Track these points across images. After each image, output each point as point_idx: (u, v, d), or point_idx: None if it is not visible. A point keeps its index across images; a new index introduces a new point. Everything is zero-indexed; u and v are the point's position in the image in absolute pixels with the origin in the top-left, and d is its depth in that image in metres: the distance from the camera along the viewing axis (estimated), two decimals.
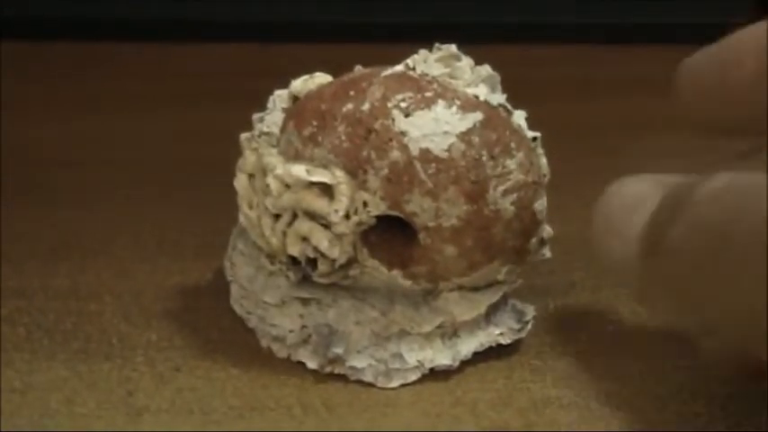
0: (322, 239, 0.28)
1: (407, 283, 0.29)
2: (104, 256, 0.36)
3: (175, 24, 0.53)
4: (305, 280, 0.30)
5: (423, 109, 0.28)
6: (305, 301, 0.30)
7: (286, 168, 0.29)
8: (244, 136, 0.31)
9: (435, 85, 0.29)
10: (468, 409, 0.29)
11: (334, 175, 0.28)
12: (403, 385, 0.30)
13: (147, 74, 0.50)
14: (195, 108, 0.46)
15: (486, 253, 0.29)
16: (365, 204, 0.28)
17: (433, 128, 0.28)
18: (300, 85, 0.30)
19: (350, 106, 0.28)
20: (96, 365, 0.30)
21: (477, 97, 0.29)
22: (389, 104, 0.28)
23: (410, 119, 0.28)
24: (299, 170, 0.29)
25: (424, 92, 0.28)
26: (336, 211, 0.28)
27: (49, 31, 0.52)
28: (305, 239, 0.29)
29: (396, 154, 0.28)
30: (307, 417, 0.29)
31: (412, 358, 0.29)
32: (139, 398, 0.29)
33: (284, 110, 0.30)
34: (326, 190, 0.28)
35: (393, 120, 0.28)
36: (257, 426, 0.28)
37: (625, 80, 0.48)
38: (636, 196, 0.27)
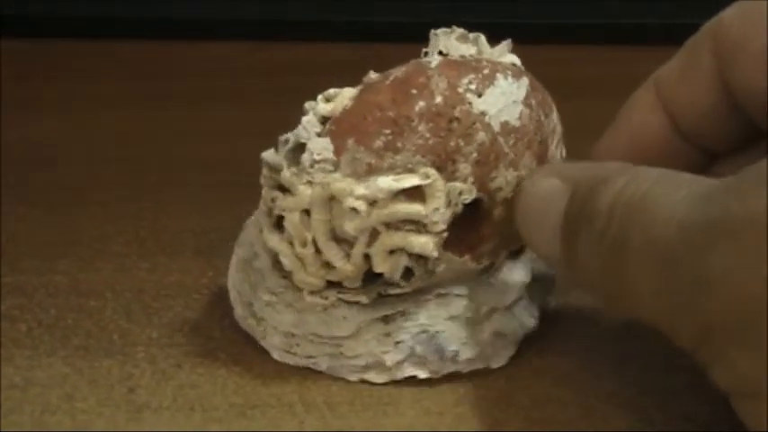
0: (425, 243, 0.28)
1: (474, 265, 0.29)
2: (104, 254, 0.36)
3: (176, 23, 0.53)
4: (377, 299, 0.29)
5: (489, 86, 0.28)
6: (387, 318, 0.29)
7: (370, 185, 0.28)
8: (285, 174, 0.29)
9: (484, 63, 0.29)
10: (469, 407, 0.29)
11: (426, 175, 0.28)
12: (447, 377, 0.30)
13: (147, 72, 0.50)
14: (195, 106, 0.46)
15: None
16: (460, 194, 0.28)
17: (505, 101, 0.28)
18: (329, 106, 0.29)
19: (422, 104, 0.28)
20: (97, 362, 0.30)
21: (514, 65, 0.30)
22: (460, 90, 0.28)
23: (483, 98, 0.28)
24: (386, 182, 0.28)
25: (482, 70, 0.28)
26: (436, 209, 0.28)
27: (50, 29, 0.52)
28: (393, 252, 0.28)
29: (481, 135, 0.28)
30: (308, 415, 0.29)
31: (509, 330, 0.30)
32: (140, 395, 0.29)
33: (323, 133, 0.28)
34: (415, 193, 0.28)
35: (470, 103, 0.28)
36: (258, 424, 0.28)
37: (624, 79, 0.48)
38: (548, 192, 0.28)
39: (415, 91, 0.28)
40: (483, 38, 0.30)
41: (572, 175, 0.28)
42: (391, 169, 0.28)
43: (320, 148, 0.28)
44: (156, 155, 0.42)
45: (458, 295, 0.30)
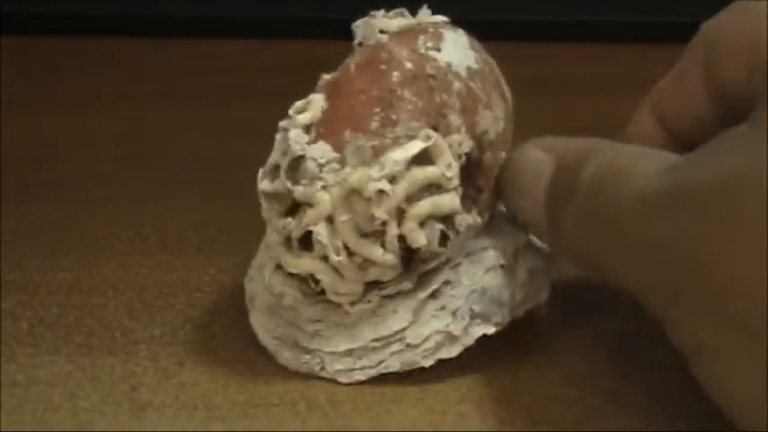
0: (451, 199, 0.29)
1: (480, 220, 0.30)
2: (106, 252, 0.35)
3: (177, 21, 0.53)
4: (418, 280, 0.29)
5: (441, 41, 0.29)
6: (435, 293, 0.30)
7: (384, 164, 0.28)
8: (299, 190, 0.28)
9: (424, 24, 0.30)
10: (473, 405, 0.29)
11: (427, 136, 0.28)
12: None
13: (148, 70, 0.50)
14: (197, 104, 0.46)
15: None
16: (460, 145, 0.29)
17: (459, 49, 0.30)
18: (307, 114, 0.29)
19: (396, 73, 0.28)
20: (99, 360, 0.30)
21: (446, 22, 0.31)
22: (422, 51, 0.29)
23: (443, 52, 0.29)
24: (397, 154, 0.28)
25: (427, 30, 0.30)
26: (448, 164, 0.28)
27: (51, 27, 0.52)
28: (423, 224, 0.28)
29: (457, 85, 0.29)
30: (311, 413, 0.28)
31: (539, 264, 0.31)
32: (143, 393, 0.29)
33: (312, 140, 0.28)
34: (423, 158, 0.28)
35: (435, 59, 0.29)
36: (261, 422, 0.28)
37: (623, 79, 0.48)
38: (535, 163, 0.29)
39: (384, 66, 0.29)
40: (405, 10, 0.30)
41: (558, 148, 0.29)
42: (395, 143, 0.28)
43: (321, 151, 0.28)
44: (158, 153, 0.42)
45: (483, 249, 0.30)
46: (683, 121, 0.30)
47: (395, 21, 0.30)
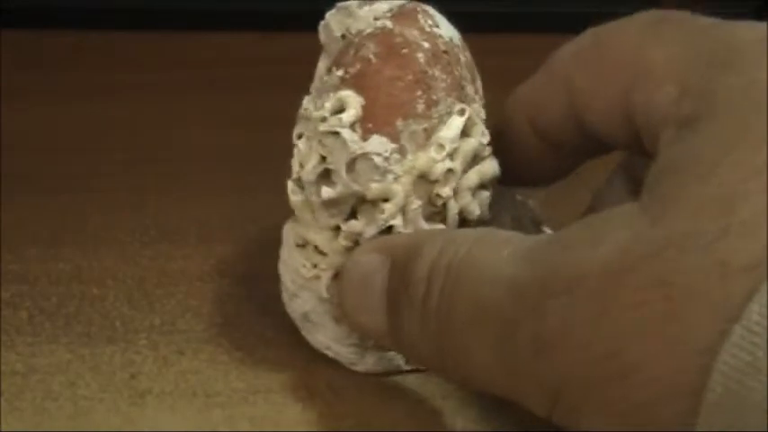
0: (493, 164, 0.29)
1: (498, 168, 0.30)
2: (107, 241, 0.35)
3: (179, 13, 0.53)
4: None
5: (432, 17, 0.29)
6: None
7: (441, 142, 0.28)
8: (376, 187, 0.27)
9: (406, 6, 0.29)
10: (474, 391, 0.29)
11: (462, 110, 0.28)
12: None
13: (150, 62, 0.50)
14: (198, 96, 0.46)
15: None
16: (478, 113, 0.29)
17: (446, 23, 0.29)
18: (350, 113, 0.27)
19: (420, 54, 0.28)
20: (99, 349, 0.30)
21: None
22: (427, 29, 0.29)
23: (440, 28, 0.29)
24: (448, 132, 0.28)
25: (417, 9, 0.29)
26: (483, 133, 0.29)
27: (53, 20, 0.52)
28: (473, 194, 0.29)
29: (462, 57, 0.29)
30: (311, 400, 0.28)
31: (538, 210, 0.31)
32: (142, 381, 0.29)
33: (364, 136, 0.28)
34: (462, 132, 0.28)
35: (440, 36, 0.29)
36: (261, 409, 0.28)
37: None
38: (367, 270, 0.27)
39: (405, 50, 0.28)
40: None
41: (389, 246, 0.27)
42: (440, 122, 0.28)
43: (380, 145, 0.27)
44: (159, 143, 0.42)
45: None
46: (556, 128, 0.28)
47: (373, 6, 0.29)
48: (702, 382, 0.20)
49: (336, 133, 0.27)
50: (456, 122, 0.28)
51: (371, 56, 0.28)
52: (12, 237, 0.35)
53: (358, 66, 0.28)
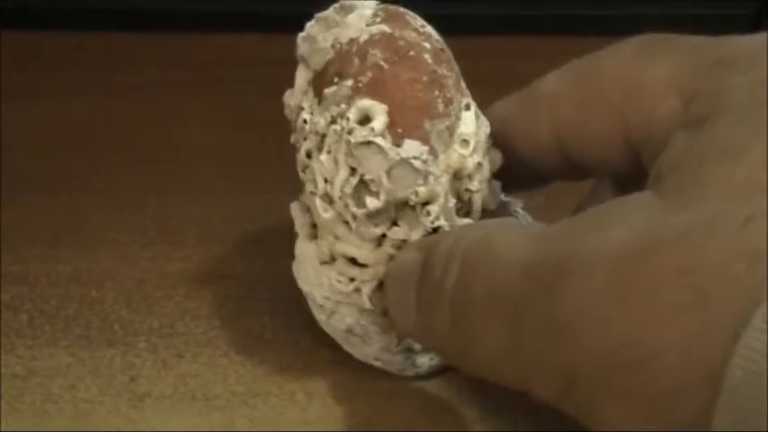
0: (498, 155, 0.29)
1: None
2: (106, 243, 0.35)
3: (175, 15, 0.53)
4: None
5: (417, 17, 0.29)
6: None
7: (466, 139, 0.28)
8: (423, 190, 0.27)
9: (389, 9, 0.29)
10: (473, 392, 0.29)
11: (468, 105, 0.29)
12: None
13: (149, 63, 0.49)
14: (198, 97, 0.46)
15: None
16: (469, 106, 0.29)
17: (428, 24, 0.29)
18: (380, 121, 0.27)
19: (425, 55, 0.28)
20: (99, 352, 0.30)
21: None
22: (421, 30, 0.29)
23: (428, 26, 0.29)
24: (466, 128, 0.28)
25: (400, 10, 0.29)
26: (486, 124, 0.29)
27: (51, 21, 0.52)
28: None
29: (449, 53, 0.29)
30: (310, 403, 0.28)
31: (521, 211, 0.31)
32: (142, 384, 0.29)
33: (395, 141, 0.27)
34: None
35: (431, 34, 0.29)
36: (260, 412, 0.28)
37: None
38: (404, 265, 0.27)
39: (412, 52, 0.28)
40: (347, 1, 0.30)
41: (425, 244, 0.27)
42: (457, 118, 0.28)
43: (416, 149, 0.27)
44: (159, 144, 0.42)
45: None
46: (542, 166, 0.28)
47: (357, 13, 0.29)
48: (724, 371, 0.20)
49: (369, 143, 0.27)
50: (469, 117, 0.28)
51: (381, 62, 0.28)
52: (12, 237, 0.35)
53: (369, 74, 0.28)
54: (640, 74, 0.25)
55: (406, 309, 0.26)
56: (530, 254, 0.23)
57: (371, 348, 0.29)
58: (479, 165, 0.28)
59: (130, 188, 0.39)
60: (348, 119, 0.27)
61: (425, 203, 0.27)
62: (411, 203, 0.27)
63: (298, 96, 0.30)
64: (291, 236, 0.35)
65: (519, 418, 0.28)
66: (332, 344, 0.31)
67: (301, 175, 0.29)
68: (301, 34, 0.30)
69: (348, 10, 0.29)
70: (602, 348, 0.21)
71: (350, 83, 0.28)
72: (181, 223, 0.37)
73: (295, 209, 0.30)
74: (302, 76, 0.30)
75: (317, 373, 0.29)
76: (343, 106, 0.28)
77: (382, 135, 0.27)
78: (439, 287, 0.25)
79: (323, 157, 0.28)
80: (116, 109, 0.45)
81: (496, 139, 0.29)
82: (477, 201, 0.28)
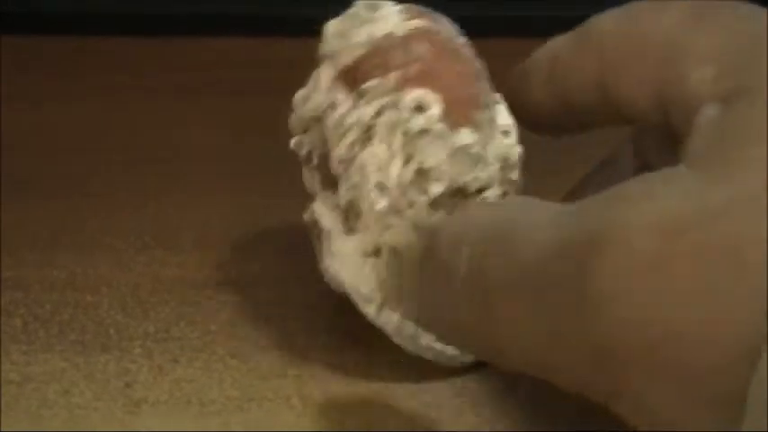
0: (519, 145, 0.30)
1: None
2: (102, 247, 0.35)
3: (175, 19, 0.53)
4: None
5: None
6: None
7: (509, 130, 0.29)
8: (482, 176, 0.28)
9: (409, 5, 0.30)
10: (468, 400, 0.29)
11: (500, 96, 0.29)
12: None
13: (147, 66, 0.50)
14: (196, 100, 0.46)
15: None
16: None
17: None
18: (438, 108, 0.28)
19: (465, 50, 0.29)
20: (94, 357, 0.30)
21: None
22: (446, 25, 0.29)
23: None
24: (505, 118, 0.29)
25: (417, 7, 0.30)
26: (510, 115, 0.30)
27: (51, 26, 0.52)
28: None
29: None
30: (306, 408, 0.28)
31: None
32: (137, 389, 0.29)
33: (451, 130, 0.28)
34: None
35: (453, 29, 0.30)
36: (255, 417, 0.28)
37: None
38: (407, 247, 0.27)
39: (453, 46, 0.29)
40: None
41: (425, 225, 0.27)
42: (495, 109, 0.29)
43: (470, 136, 0.28)
44: (156, 148, 0.42)
45: None
46: (582, 102, 0.28)
47: (388, 9, 0.30)
48: (762, 347, 0.19)
49: (428, 131, 0.27)
50: (501, 109, 0.29)
51: (427, 54, 0.28)
52: (6, 242, 0.35)
53: (417, 65, 0.28)
54: (683, 36, 0.25)
55: (406, 290, 0.26)
56: (559, 231, 0.22)
57: (425, 339, 0.29)
58: (521, 155, 0.29)
59: (128, 191, 0.39)
60: (402, 108, 0.28)
61: (480, 190, 0.28)
62: (469, 190, 0.28)
63: (322, 95, 0.29)
64: (288, 240, 0.35)
65: (515, 422, 0.28)
66: (328, 349, 0.31)
67: (336, 169, 0.29)
68: (329, 31, 0.30)
69: (374, 8, 0.30)
70: (637, 324, 0.21)
71: (396, 74, 0.28)
72: (177, 228, 0.37)
73: (320, 207, 0.30)
74: (326, 74, 0.30)
75: (312, 379, 0.29)
76: (389, 98, 0.28)
77: (440, 122, 0.27)
78: (449, 270, 0.24)
79: (375, 147, 0.28)
80: (115, 112, 0.45)
81: (547, 80, 0.29)
82: (516, 191, 0.29)
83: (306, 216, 0.32)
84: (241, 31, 0.53)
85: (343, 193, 0.29)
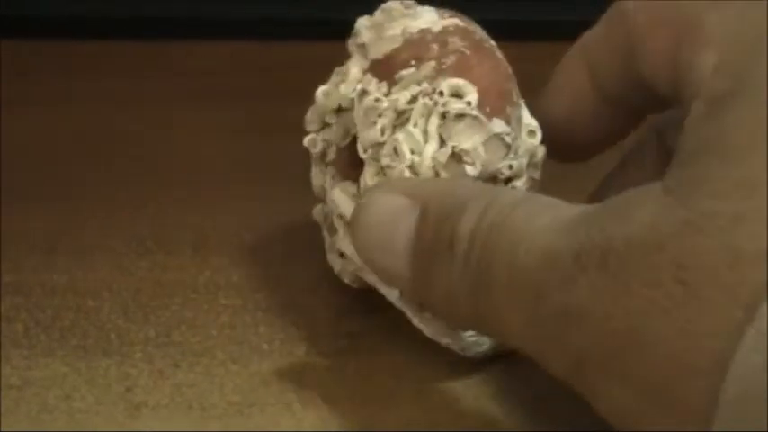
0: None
1: None
2: (102, 252, 0.35)
3: (175, 22, 0.53)
4: None
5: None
6: None
7: (534, 128, 0.29)
8: (515, 164, 0.29)
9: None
10: (469, 402, 0.29)
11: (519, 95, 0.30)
12: None
13: (147, 71, 0.49)
14: (195, 104, 0.46)
15: None
16: None
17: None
18: (475, 97, 0.28)
19: (497, 49, 0.30)
20: (94, 361, 0.30)
21: None
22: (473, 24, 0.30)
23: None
24: (528, 117, 0.30)
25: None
26: None
27: (52, 29, 0.52)
28: None
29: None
30: (306, 412, 0.28)
31: None
32: (138, 394, 0.29)
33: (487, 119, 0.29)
34: None
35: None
36: (256, 422, 0.28)
37: None
38: (391, 211, 0.27)
39: (487, 45, 0.29)
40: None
41: (420, 193, 0.27)
42: (523, 109, 0.30)
43: (504, 126, 0.28)
44: (156, 153, 0.42)
45: None
46: (612, 79, 0.29)
47: (423, 7, 0.30)
48: (719, 364, 0.21)
49: (465, 115, 0.28)
50: (527, 110, 0.30)
51: (463, 48, 0.29)
52: (7, 247, 0.35)
53: (453, 57, 0.29)
54: (704, 12, 0.25)
55: (388, 252, 0.26)
56: (551, 242, 0.23)
57: (443, 324, 0.29)
58: (544, 156, 0.30)
59: (128, 197, 0.39)
60: (441, 93, 0.28)
61: (510, 179, 0.29)
62: (500, 177, 0.28)
63: (351, 85, 0.30)
64: (289, 244, 0.35)
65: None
66: (328, 354, 0.31)
67: (364, 155, 0.29)
68: (363, 23, 0.30)
69: (409, 6, 0.30)
70: (606, 334, 0.22)
71: (432, 64, 0.29)
72: (178, 232, 0.37)
73: (339, 195, 0.30)
74: (357, 66, 0.30)
75: (312, 383, 0.29)
76: (425, 85, 0.28)
77: (478, 108, 0.28)
78: (464, 259, 0.25)
79: (410, 129, 0.28)
80: (114, 117, 0.45)
81: (578, 68, 0.29)
82: (535, 191, 0.29)
83: (315, 213, 0.32)
84: (242, 35, 0.53)
85: (369, 178, 0.29)
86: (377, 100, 0.29)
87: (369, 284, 0.30)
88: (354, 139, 0.30)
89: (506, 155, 0.28)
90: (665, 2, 0.26)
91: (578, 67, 0.29)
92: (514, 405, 0.29)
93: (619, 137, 0.31)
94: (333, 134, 0.31)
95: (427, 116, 0.28)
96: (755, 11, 0.24)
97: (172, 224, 0.37)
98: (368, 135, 0.29)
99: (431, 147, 0.28)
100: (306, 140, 0.31)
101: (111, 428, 0.28)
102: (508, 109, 0.29)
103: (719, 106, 0.23)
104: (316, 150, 0.31)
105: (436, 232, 0.26)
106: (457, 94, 0.28)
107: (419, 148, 0.28)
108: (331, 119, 0.31)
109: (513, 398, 0.29)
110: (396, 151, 0.28)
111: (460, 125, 0.28)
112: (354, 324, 0.31)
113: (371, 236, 0.27)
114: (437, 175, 0.28)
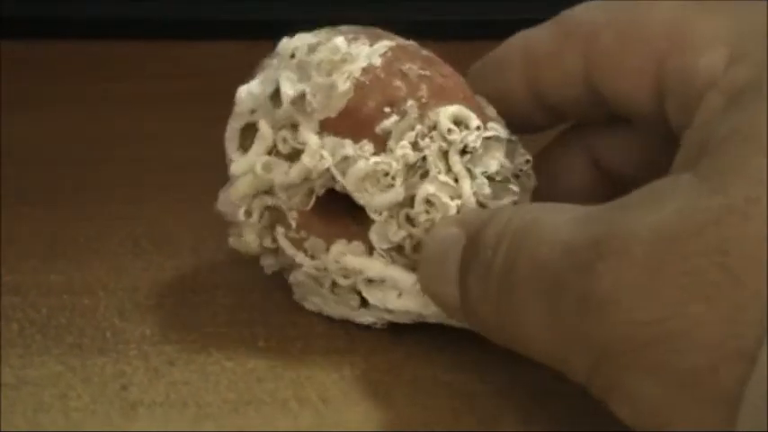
0: None
1: None
2: (98, 252, 0.35)
3: (173, 23, 0.53)
4: None
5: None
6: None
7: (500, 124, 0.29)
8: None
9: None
10: (466, 401, 0.29)
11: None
12: None
13: (145, 72, 0.50)
14: (193, 105, 0.46)
15: None
16: None
17: None
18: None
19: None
20: (90, 360, 0.30)
21: None
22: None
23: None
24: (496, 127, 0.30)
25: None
26: None
27: (50, 30, 0.52)
28: None
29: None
30: (302, 410, 0.28)
31: None
32: (134, 392, 0.29)
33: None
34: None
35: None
36: (252, 420, 0.28)
37: None
38: (445, 242, 0.27)
39: (424, 52, 0.29)
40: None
41: (465, 221, 0.27)
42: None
43: (500, 126, 0.29)
44: (153, 154, 0.42)
45: None
46: (559, 92, 0.29)
47: (339, 39, 0.29)
48: (758, 350, 0.20)
49: (479, 144, 0.28)
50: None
51: (421, 71, 0.28)
52: (3, 247, 0.35)
53: (424, 87, 0.28)
54: (686, 22, 0.25)
55: (443, 281, 0.27)
56: (571, 234, 0.23)
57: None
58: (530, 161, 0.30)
59: (124, 198, 0.39)
60: (443, 131, 0.28)
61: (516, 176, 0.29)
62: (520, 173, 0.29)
63: (315, 155, 0.29)
64: None
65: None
66: (324, 351, 0.31)
67: (378, 217, 0.29)
68: (307, 90, 0.29)
69: (335, 51, 0.29)
70: (633, 323, 0.22)
71: (412, 103, 0.28)
72: (173, 232, 0.37)
73: (355, 260, 0.30)
74: (309, 133, 0.29)
75: (309, 381, 0.29)
76: (419, 127, 0.28)
77: (479, 129, 0.28)
78: (488, 266, 0.25)
79: (438, 178, 0.28)
80: (112, 118, 0.45)
81: (520, 73, 0.29)
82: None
83: (266, 266, 0.32)
84: (242, 35, 0.53)
85: (392, 235, 0.29)
86: (378, 163, 0.28)
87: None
88: (318, 198, 0.30)
89: (517, 149, 0.29)
90: (631, 21, 0.26)
91: (518, 74, 0.29)
92: (513, 405, 0.29)
93: (543, 130, 0.31)
94: (287, 203, 0.30)
95: (444, 157, 0.28)
96: (750, 10, 0.25)
97: (168, 224, 0.37)
98: (381, 199, 0.28)
99: (466, 185, 0.28)
100: (240, 213, 0.31)
101: (107, 427, 0.28)
102: (489, 113, 0.29)
103: (743, 96, 0.23)
104: (245, 217, 0.31)
105: (470, 252, 0.26)
106: (458, 122, 0.28)
107: (456, 193, 0.28)
108: (281, 189, 0.30)
109: (511, 397, 0.29)
110: (429, 202, 0.28)
111: (480, 151, 0.28)
112: (350, 323, 0.31)
113: (430, 269, 0.28)
114: (482, 206, 0.28)
